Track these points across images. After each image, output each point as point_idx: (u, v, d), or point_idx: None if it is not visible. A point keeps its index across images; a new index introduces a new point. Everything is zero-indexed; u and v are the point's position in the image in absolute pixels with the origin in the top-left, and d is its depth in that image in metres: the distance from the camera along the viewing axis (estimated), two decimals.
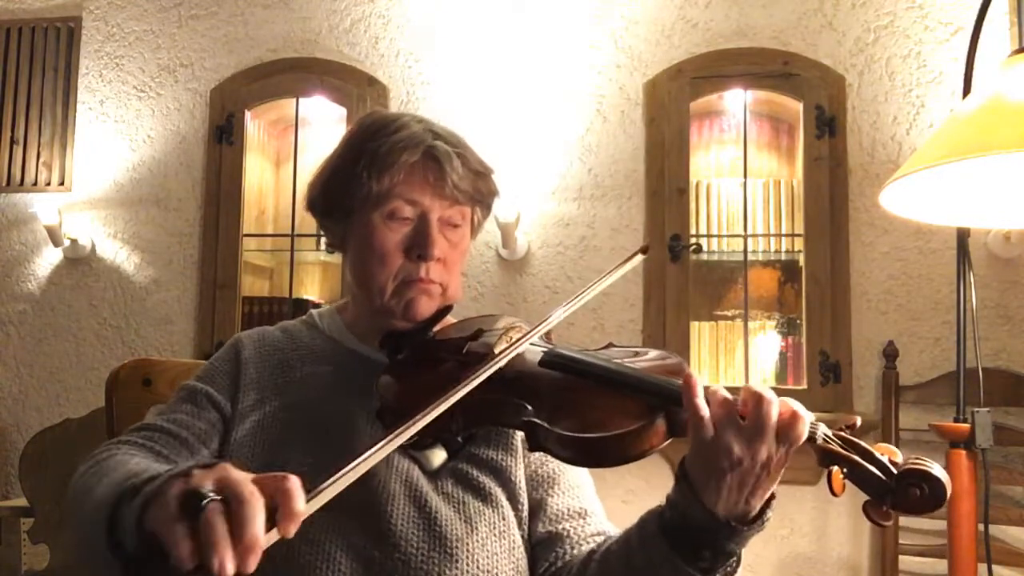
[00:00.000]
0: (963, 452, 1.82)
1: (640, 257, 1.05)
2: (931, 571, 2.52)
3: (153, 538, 0.65)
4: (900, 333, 2.69)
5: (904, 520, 2.55)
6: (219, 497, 0.62)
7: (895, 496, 0.76)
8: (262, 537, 0.61)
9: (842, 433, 0.81)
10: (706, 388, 0.81)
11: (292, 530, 0.63)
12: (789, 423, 0.78)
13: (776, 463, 0.79)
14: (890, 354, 2.63)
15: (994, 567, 1.83)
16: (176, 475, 0.68)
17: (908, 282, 2.72)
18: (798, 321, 2.81)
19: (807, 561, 2.67)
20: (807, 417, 0.79)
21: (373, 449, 0.70)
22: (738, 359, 2.83)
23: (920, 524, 2.55)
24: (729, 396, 0.80)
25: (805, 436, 0.79)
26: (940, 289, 2.69)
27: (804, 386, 2.70)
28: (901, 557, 2.53)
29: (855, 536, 2.67)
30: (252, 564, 0.61)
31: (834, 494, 0.78)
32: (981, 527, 1.81)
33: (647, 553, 0.87)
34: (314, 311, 1.20)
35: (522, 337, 0.91)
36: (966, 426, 1.82)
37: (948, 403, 2.29)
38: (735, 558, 0.84)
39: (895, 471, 0.77)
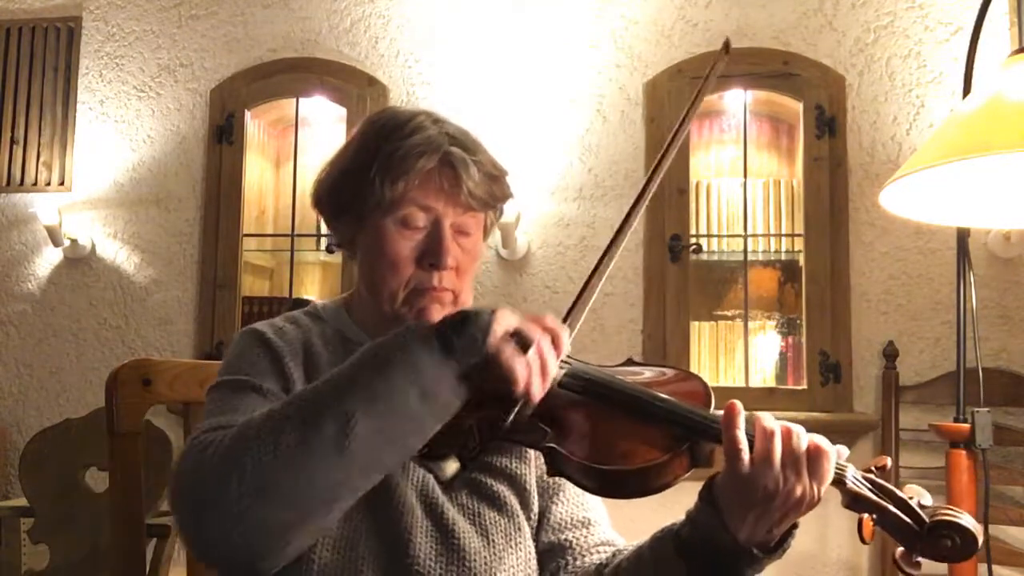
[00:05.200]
0: (963, 452, 1.82)
1: (724, 58, 0.95)
2: (931, 571, 2.52)
3: (490, 362, 0.81)
4: (900, 333, 2.69)
5: None
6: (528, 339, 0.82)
7: (926, 545, 0.76)
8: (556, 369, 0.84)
9: (871, 476, 0.80)
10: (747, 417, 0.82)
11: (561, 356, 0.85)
12: (815, 455, 0.79)
13: (808, 501, 0.80)
14: (890, 354, 2.63)
15: (994, 567, 1.83)
16: (497, 316, 0.84)
17: (908, 282, 2.72)
18: (798, 321, 2.81)
19: (807, 561, 2.67)
20: (831, 451, 0.79)
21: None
22: (738, 359, 2.83)
23: None
24: (771, 427, 0.80)
25: (831, 472, 0.79)
26: (940, 289, 2.69)
27: (804, 386, 2.70)
28: None
29: (855, 536, 2.66)
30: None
31: (864, 541, 0.78)
32: (981, 527, 1.81)
33: (660, 572, 0.86)
34: (317, 303, 1.13)
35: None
36: (966, 426, 1.82)
37: (948, 403, 2.29)
38: None
39: (926, 519, 0.77)
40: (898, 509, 0.77)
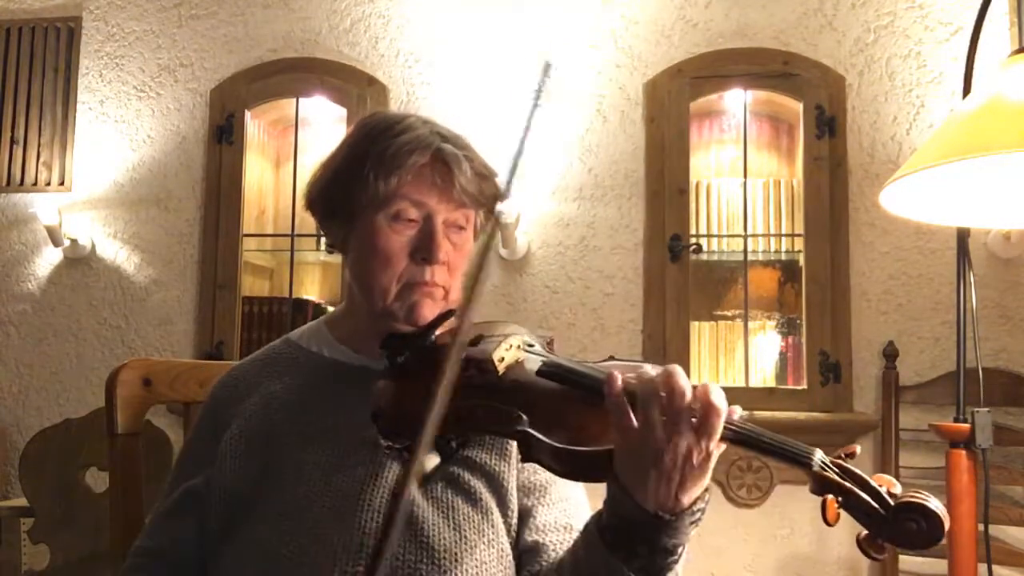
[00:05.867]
0: (963, 452, 1.81)
1: (546, 80, 0.96)
2: (931, 571, 2.52)
3: None
4: (900, 333, 2.69)
5: None
6: None
7: (891, 529, 0.76)
8: None
9: (840, 461, 0.80)
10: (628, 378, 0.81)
11: None
12: (704, 414, 0.78)
13: (700, 457, 0.78)
14: (890, 354, 2.63)
15: (994, 567, 1.83)
16: None
17: (908, 282, 2.72)
18: (798, 321, 2.81)
19: (807, 561, 2.67)
20: (723, 407, 0.78)
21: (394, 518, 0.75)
22: (738, 359, 2.83)
23: None
24: (652, 388, 0.79)
25: (720, 428, 0.78)
26: (940, 289, 2.69)
27: (804, 386, 2.70)
28: (901, 557, 2.53)
29: (855, 536, 2.66)
30: None
31: (828, 523, 0.77)
32: (981, 527, 1.81)
33: (590, 557, 0.87)
34: (292, 333, 1.18)
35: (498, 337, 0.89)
36: (966, 426, 1.82)
37: (948, 403, 2.29)
38: (675, 556, 0.83)
39: (892, 503, 0.76)
40: (863, 492, 0.77)
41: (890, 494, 0.78)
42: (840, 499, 0.77)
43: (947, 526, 0.75)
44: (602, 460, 0.83)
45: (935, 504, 0.75)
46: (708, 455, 0.79)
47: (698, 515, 0.82)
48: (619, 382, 0.80)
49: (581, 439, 0.84)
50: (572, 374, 0.91)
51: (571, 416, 0.88)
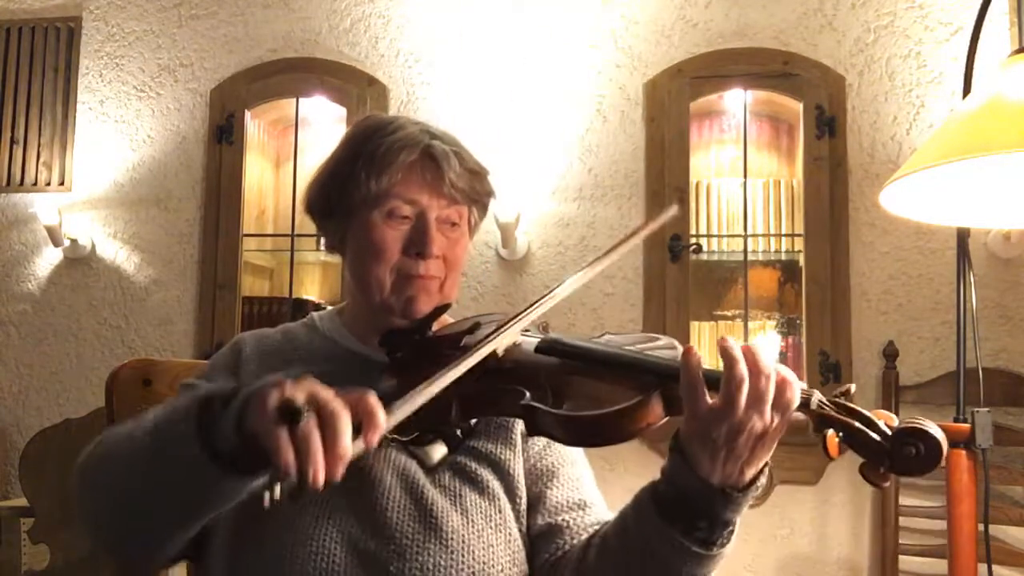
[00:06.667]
0: (963, 452, 1.82)
1: (672, 212, 1.06)
2: (931, 571, 2.52)
3: (252, 440, 0.73)
4: (900, 333, 2.69)
5: (904, 520, 2.55)
6: (313, 411, 0.71)
7: (891, 456, 0.77)
8: (350, 449, 0.70)
9: (837, 399, 0.81)
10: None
11: (375, 441, 0.71)
12: (780, 391, 0.79)
13: (772, 433, 0.80)
14: (890, 354, 2.63)
15: (994, 567, 1.83)
16: (269, 386, 0.74)
17: (908, 282, 2.72)
18: (798, 321, 2.81)
19: (807, 561, 2.67)
20: (797, 384, 0.79)
21: (445, 372, 0.80)
22: None
23: (920, 524, 2.55)
24: (741, 374, 0.79)
25: (797, 402, 0.79)
26: (940, 289, 2.69)
27: (804, 386, 2.69)
28: (901, 557, 2.53)
29: (855, 536, 2.67)
30: (340, 472, 0.69)
31: (829, 457, 0.78)
32: (981, 527, 1.81)
33: (642, 529, 0.87)
34: (314, 313, 1.20)
35: (512, 319, 0.92)
36: (966, 426, 1.82)
37: (948, 403, 2.29)
38: (731, 526, 0.85)
39: (890, 432, 0.77)
40: (863, 425, 0.78)
41: (888, 426, 0.78)
42: (840, 434, 0.78)
43: (946, 449, 0.75)
44: (607, 423, 0.84)
45: (933, 429, 0.76)
46: (781, 429, 0.80)
47: (758, 488, 0.83)
48: (696, 362, 0.80)
49: (585, 405, 0.87)
50: (572, 347, 0.93)
51: (573, 385, 0.90)
